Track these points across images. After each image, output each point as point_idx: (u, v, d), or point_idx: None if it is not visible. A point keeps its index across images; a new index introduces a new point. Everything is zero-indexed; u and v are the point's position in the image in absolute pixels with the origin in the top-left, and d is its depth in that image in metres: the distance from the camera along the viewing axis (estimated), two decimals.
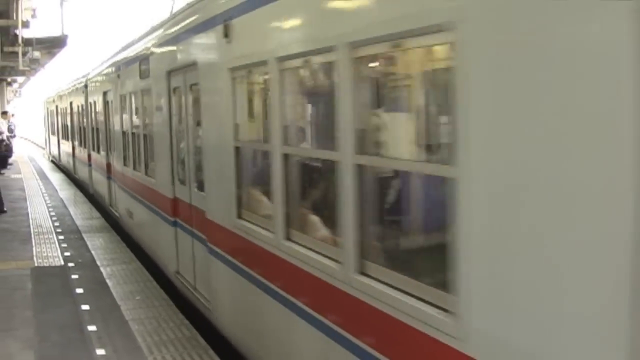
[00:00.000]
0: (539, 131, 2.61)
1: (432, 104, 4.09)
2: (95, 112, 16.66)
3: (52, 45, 23.71)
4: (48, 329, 7.65)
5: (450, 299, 3.17)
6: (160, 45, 9.44)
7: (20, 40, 20.85)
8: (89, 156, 18.51)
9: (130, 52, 11.81)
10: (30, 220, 15.03)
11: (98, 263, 10.86)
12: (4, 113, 29.69)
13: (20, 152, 35.86)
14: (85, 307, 8.42)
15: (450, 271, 3.18)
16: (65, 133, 26.22)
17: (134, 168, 11.99)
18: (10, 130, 29.14)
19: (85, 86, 18.63)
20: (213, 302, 7.39)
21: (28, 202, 17.98)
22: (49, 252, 11.71)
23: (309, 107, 5.82)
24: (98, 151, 16.73)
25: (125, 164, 12.94)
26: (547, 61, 2.55)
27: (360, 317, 4.12)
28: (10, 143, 26.82)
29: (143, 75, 10.45)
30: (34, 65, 23.82)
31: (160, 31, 9.55)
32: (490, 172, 2.88)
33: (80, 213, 16.39)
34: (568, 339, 2.52)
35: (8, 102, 44.25)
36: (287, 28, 5.07)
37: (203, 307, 7.75)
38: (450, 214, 3.15)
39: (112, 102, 14.07)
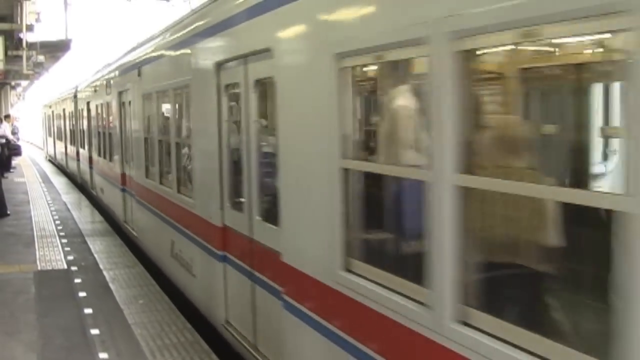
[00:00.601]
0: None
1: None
2: (94, 117, 18.23)
3: (56, 49, 23.78)
4: (51, 333, 7.67)
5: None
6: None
7: (24, 44, 20.91)
8: (91, 159, 19.76)
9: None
10: (34, 224, 15.06)
11: (101, 267, 10.88)
12: (7, 116, 29.78)
13: (23, 153, 36.03)
14: (88, 310, 8.44)
15: None
16: (60, 135, 30.31)
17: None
18: (13, 132, 29.20)
19: (75, 96, 22.74)
20: None
21: (31, 206, 18.01)
22: (52, 256, 11.73)
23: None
24: (104, 156, 16.77)
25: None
26: None
27: None
28: (17, 142, 27.00)
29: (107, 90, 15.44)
30: (38, 69, 23.87)
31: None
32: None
33: (84, 217, 16.41)
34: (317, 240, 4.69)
35: (12, 105, 44.36)
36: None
37: None
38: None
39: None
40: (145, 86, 10.88)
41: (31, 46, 21.66)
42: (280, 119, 5.33)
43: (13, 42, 21.04)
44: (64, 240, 13.12)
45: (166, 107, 10.20)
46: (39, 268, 10.85)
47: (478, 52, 3.34)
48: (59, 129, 30.74)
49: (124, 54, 14.00)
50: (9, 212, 16.11)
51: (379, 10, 3.84)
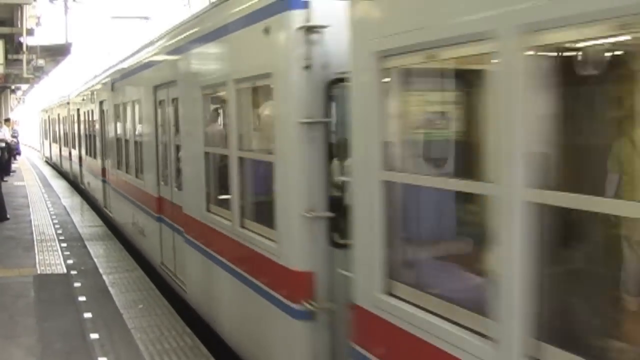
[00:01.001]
0: None
1: None
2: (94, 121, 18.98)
3: (56, 53, 23.77)
4: (51, 337, 7.68)
5: None
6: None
7: (24, 48, 20.90)
8: (80, 158, 22.70)
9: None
10: (33, 228, 15.06)
11: (101, 271, 10.88)
12: (7, 120, 29.80)
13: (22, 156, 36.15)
14: (87, 315, 8.44)
15: None
16: (55, 138, 34.23)
17: (126, 172, 12.78)
18: (13, 136, 29.22)
19: (68, 103, 25.78)
20: None
21: (31, 209, 18.02)
22: (52, 260, 11.73)
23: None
24: (90, 155, 19.50)
25: (118, 168, 13.82)
26: None
27: None
28: (17, 144, 27.06)
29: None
30: (38, 73, 23.85)
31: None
32: None
33: (83, 221, 16.41)
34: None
35: (12, 109, 44.36)
36: None
37: None
38: None
39: (106, 111, 15.26)
40: (116, 98, 13.67)
41: (31, 50, 21.65)
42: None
43: (13, 45, 21.04)
44: (64, 244, 13.13)
45: (129, 115, 12.44)
46: (38, 272, 10.85)
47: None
48: (54, 132, 34.63)
49: (102, 71, 16.79)
50: (8, 216, 16.12)
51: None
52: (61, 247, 12.84)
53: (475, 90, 3.94)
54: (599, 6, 2.39)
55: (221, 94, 7.25)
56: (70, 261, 11.63)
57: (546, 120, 2.81)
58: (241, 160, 6.33)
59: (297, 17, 4.99)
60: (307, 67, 4.97)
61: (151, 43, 10.74)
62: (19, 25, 20.37)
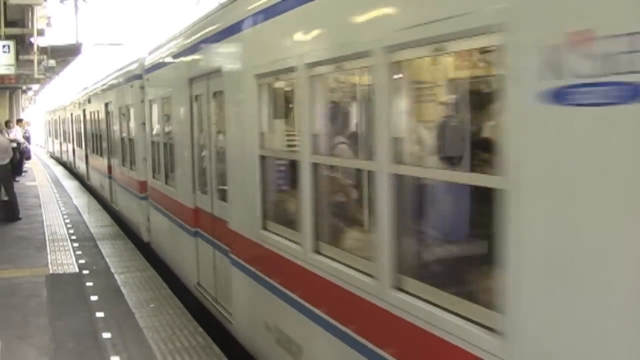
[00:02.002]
0: None
1: None
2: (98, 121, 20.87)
3: (67, 53, 23.85)
4: (63, 336, 7.68)
5: None
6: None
7: (35, 49, 20.97)
8: (74, 151, 29.22)
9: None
10: (45, 228, 15.11)
11: (112, 270, 10.89)
12: (19, 121, 29.93)
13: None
14: (100, 314, 8.45)
15: None
16: (57, 135, 40.61)
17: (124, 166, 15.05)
18: (25, 137, 29.36)
19: (66, 106, 31.97)
20: None
21: (43, 209, 18.09)
22: (64, 260, 11.76)
23: None
24: (79, 146, 25.24)
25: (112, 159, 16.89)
26: None
27: None
28: (27, 147, 27.21)
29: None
30: (49, 74, 23.93)
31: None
32: None
33: (95, 220, 16.46)
34: None
35: (23, 109, 44.56)
36: None
37: None
38: None
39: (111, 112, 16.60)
40: (115, 104, 15.72)
41: (42, 50, 21.73)
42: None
43: (24, 46, 21.12)
44: (76, 244, 13.16)
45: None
46: (50, 272, 10.88)
47: None
48: (56, 131, 41.28)
49: (93, 83, 20.81)
50: (20, 216, 16.19)
51: None
52: (73, 247, 12.87)
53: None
54: None
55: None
56: (82, 261, 11.65)
57: None
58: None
59: None
60: None
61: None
62: (30, 26, 20.47)
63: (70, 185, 25.59)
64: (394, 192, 3.89)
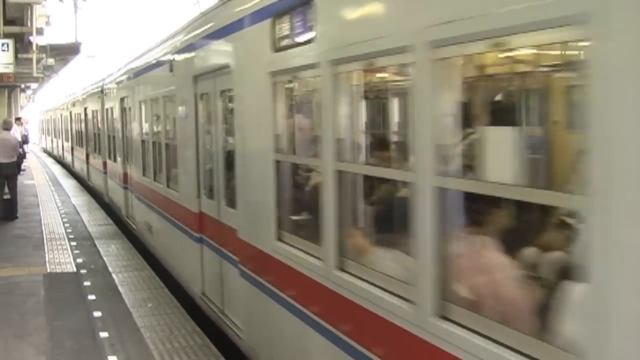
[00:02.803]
0: None
1: None
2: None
3: (66, 52, 23.86)
4: (61, 335, 7.69)
5: None
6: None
7: (34, 47, 20.98)
8: (62, 146, 35.75)
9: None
10: (43, 226, 15.12)
11: (110, 270, 10.90)
12: (18, 119, 29.91)
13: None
14: (97, 313, 8.45)
15: None
16: (50, 132, 47.34)
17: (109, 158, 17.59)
18: (23, 137, 29.34)
19: (57, 108, 38.62)
20: None
21: (41, 208, 18.09)
22: (62, 259, 11.76)
23: None
24: (68, 141, 30.29)
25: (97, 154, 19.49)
26: None
27: None
28: (23, 150, 27.13)
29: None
30: (48, 72, 23.93)
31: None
32: None
33: (93, 219, 16.46)
34: None
35: (21, 107, 44.56)
36: None
37: None
38: None
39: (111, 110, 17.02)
40: (108, 102, 16.94)
41: (41, 49, 21.74)
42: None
43: (23, 45, 21.11)
44: (73, 243, 13.17)
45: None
46: (48, 271, 10.89)
47: None
48: (48, 129, 48.71)
49: (83, 89, 23.98)
50: (18, 215, 16.19)
51: None
52: (71, 246, 12.88)
53: None
54: None
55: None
56: (80, 260, 11.66)
57: None
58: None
59: None
60: None
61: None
62: (29, 25, 20.47)
63: (69, 184, 25.59)
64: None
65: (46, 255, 12.05)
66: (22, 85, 35.53)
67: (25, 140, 30.16)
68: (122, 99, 14.50)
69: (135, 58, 13.21)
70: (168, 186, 10.08)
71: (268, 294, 5.80)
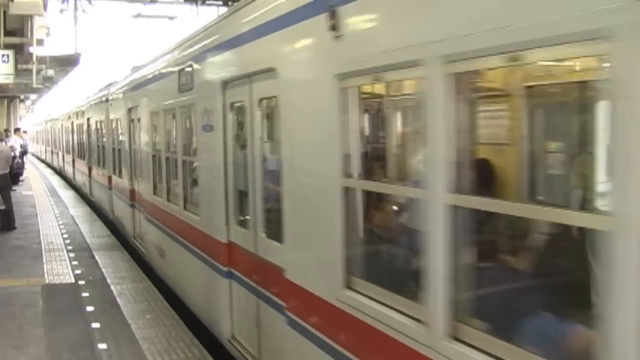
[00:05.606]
0: None
1: None
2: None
3: (66, 63, 23.90)
4: (59, 347, 7.68)
5: None
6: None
7: (34, 58, 21.02)
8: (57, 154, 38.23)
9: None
10: (42, 237, 15.10)
11: (109, 281, 10.89)
12: (17, 130, 29.96)
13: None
14: (95, 325, 8.44)
15: None
16: (43, 142, 53.04)
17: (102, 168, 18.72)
18: (22, 147, 29.37)
19: (49, 120, 41.43)
20: None
21: (39, 219, 18.06)
22: (60, 270, 11.75)
23: None
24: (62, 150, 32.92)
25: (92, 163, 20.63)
26: None
27: None
28: (22, 161, 27.22)
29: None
30: (48, 83, 23.99)
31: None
32: None
33: (91, 231, 16.44)
34: None
35: (20, 118, 44.62)
36: None
37: None
38: None
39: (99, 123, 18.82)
40: (114, 112, 16.14)
41: (41, 60, 21.78)
42: None
43: (23, 55, 21.16)
44: (72, 254, 13.15)
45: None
46: (46, 282, 10.87)
47: None
48: (40, 140, 55.31)
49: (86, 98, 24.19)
50: (16, 226, 16.18)
51: None
52: (69, 257, 12.86)
53: None
54: None
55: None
56: (78, 271, 11.64)
57: None
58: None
59: None
60: None
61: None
62: (29, 36, 20.51)
63: (67, 195, 25.57)
64: None
65: (44, 266, 12.04)
66: (22, 96, 35.59)
67: (24, 151, 30.19)
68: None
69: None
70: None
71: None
